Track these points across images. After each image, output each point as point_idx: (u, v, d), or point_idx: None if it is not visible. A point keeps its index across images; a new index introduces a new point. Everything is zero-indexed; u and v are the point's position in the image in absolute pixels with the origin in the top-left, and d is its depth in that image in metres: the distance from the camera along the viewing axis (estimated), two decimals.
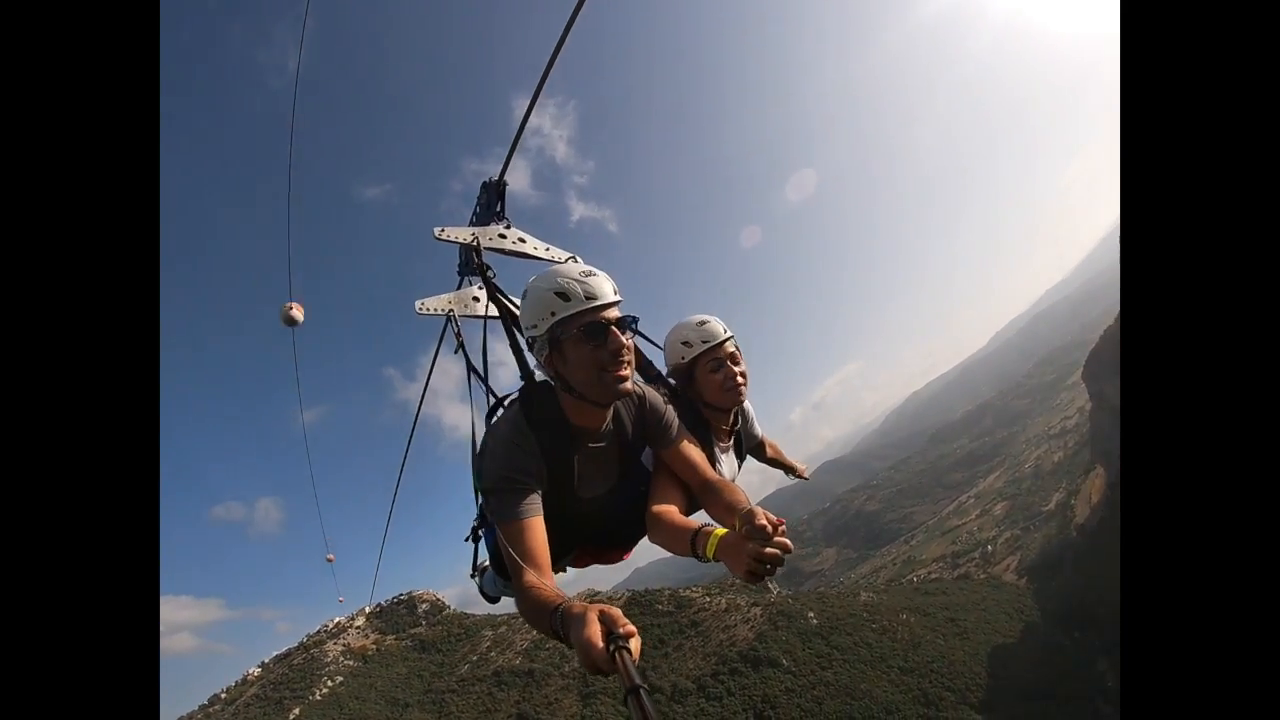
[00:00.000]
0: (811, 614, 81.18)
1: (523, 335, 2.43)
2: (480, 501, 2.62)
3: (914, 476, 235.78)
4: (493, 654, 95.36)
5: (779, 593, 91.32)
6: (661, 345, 3.29)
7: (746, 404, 3.42)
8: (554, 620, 1.73)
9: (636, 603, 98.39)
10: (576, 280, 2.23)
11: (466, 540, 3.02)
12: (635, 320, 2.39)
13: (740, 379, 3.06)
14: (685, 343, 3.08)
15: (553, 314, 2.22)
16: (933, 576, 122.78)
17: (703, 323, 3.09)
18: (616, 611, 1.52)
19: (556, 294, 2.22)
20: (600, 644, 1.45)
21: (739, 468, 3.48)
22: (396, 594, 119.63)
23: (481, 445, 2.49)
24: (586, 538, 2.89)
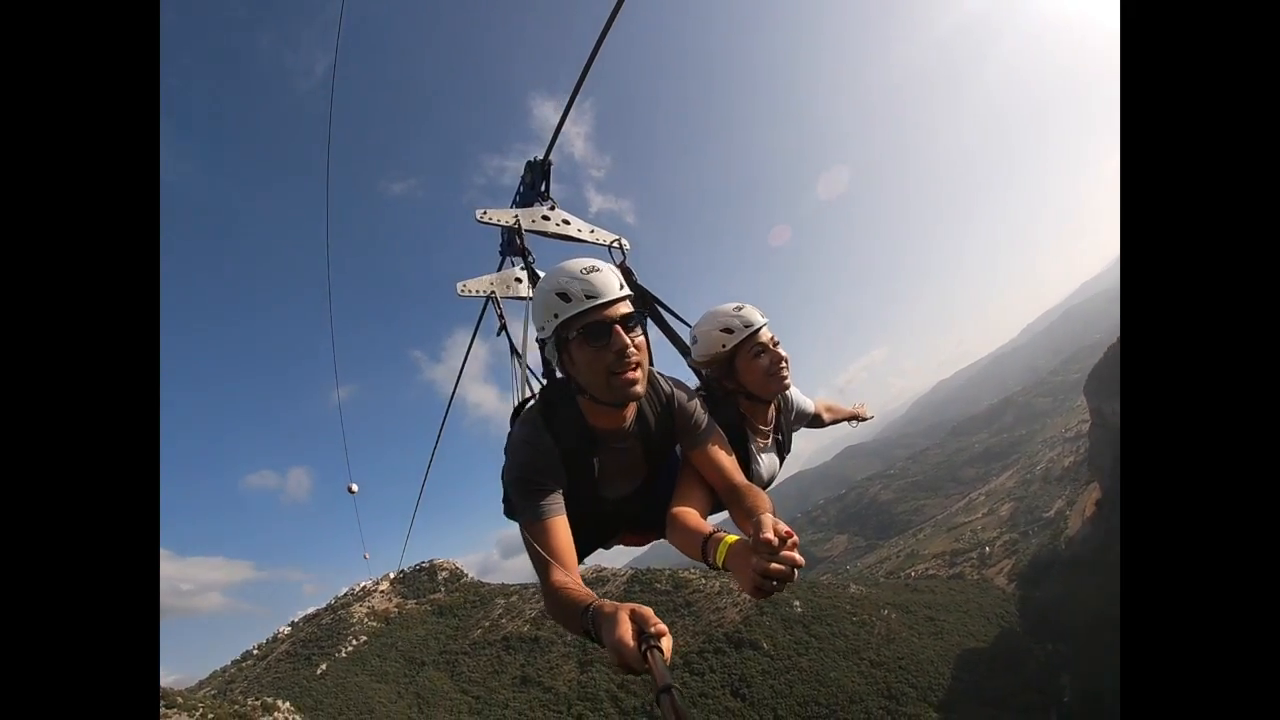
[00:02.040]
0: (797, 602, 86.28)
1: (537, 336, 2.33)
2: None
3: (931, 469, 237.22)
4: (503, 620, 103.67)
5: None
6: (687, 339, 3.17)
7: (791, 390, 3.19)
8: (585, 620, 1.69)
9: (638, 580, 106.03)
10: (576, 279, 2.13)
11: (506, 515, 2.98)
12: (643, 316, 2.34)
13: (784, 364, 2.89)
14: (726, 329, 2.87)
15: (555, 315, 2.15)
16: (930, 573, 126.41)
17: (739, 308, 2.90)
18: (648, 611, 1.50)
19: (557, 294, 2.15)
20: (632, 643, 1.43)
21: (780, 464, 3.25)
22: (418, 562, 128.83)
23: (506, 446, 2.41)
24: (622, 526, 2.84)
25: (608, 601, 1.63)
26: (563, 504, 2.23)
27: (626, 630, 1.47)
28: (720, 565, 1.92)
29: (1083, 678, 69.14)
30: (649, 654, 1.39)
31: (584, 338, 2.13)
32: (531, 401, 2.55)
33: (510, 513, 2.63)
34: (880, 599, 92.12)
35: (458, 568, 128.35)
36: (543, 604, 2.10)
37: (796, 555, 1.67)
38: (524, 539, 2.18)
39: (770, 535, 1.66)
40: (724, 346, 2.88)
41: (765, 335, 2.88)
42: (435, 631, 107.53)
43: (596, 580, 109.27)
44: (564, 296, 2.13)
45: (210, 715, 68.31)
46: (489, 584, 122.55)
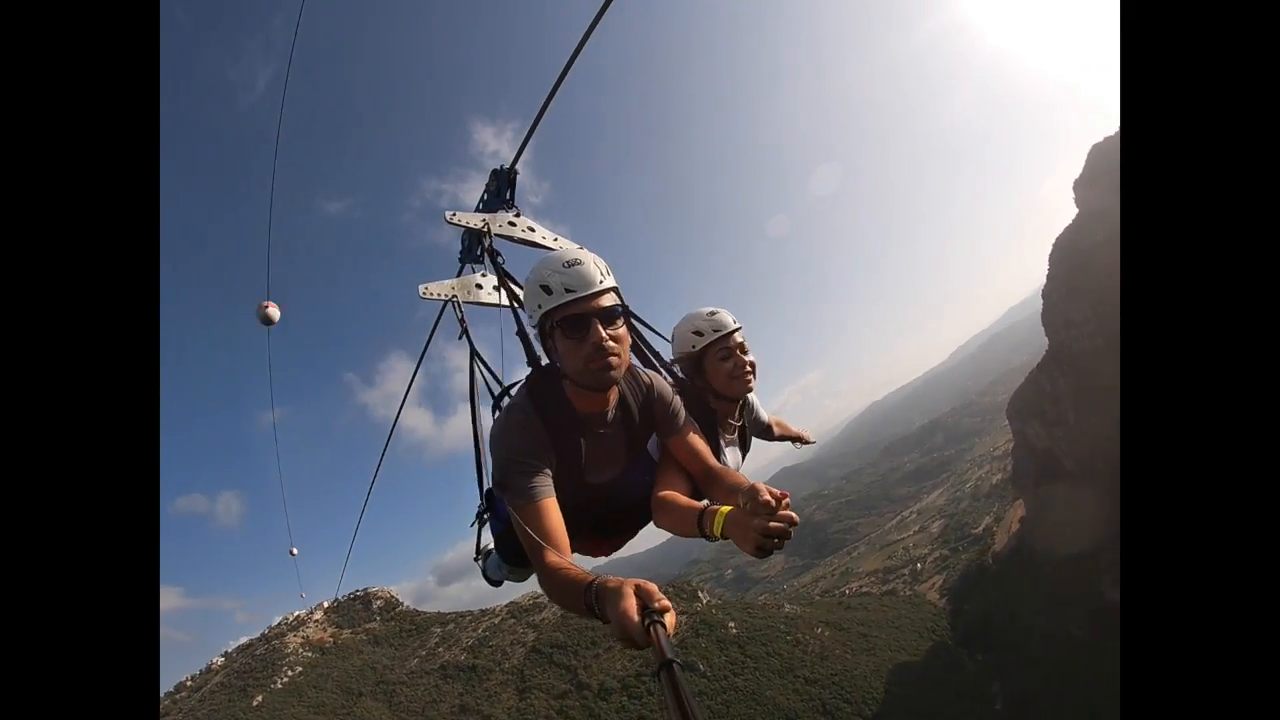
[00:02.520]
0: (732, 624, 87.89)
1: (528, 324, 2.46)
2: (490, 487, 2.79)
3: (864, 488, 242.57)
4: (440, 649, 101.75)
5: (707, 602, 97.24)
6: (663, 334, 3.31)
7: (751, 395, 3.40)
8: (588, 596, 1.69)
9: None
10: (558, 272, 2.21)
11: (472, 525, 3.13)
12: (624, 308, 2.36)
13: (749, 368, 3.07)
14: (696, 332, 3.07)
15: (539, 307, 2.24)
16: (864, 590, 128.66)
17: (713, 313, 3.09)
18: (653, 586, 1.51)
19: (540, 287, 2.23)
20: (636, 617, 1.44)
21: (743, 459, 3.48)
22: (353, 590, 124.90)
23: (492, 431, 2.47)
24: (594, 522, 2.86)
25: (611, 577, 1.65)
26: (551, 487, 2.28)
27: (631, 604, 1.48)
28: (718, 535, 2.05)
29: (1012, 685, 71.22)
30: (652, 629, 1.40)
31: (564, 330, 2.23)
32: (515, 388, 2.67)
33: (484, 511, 2.85)
34: (814, 617, 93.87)
35: (393, 596, 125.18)
36: (539, 586, 2.15)
37: (793, 514, 1.81)
38: (515, 523, 2.20)
39: (767, 497, 1.80)
40: (694, 347, 3.11)
41: (734, 340, 3.10)
42: (371, 661, 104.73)
43: (534, 608, 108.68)
44: (546, 289, 2.23)
45: None
46: (425, 612, 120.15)
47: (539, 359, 2.56)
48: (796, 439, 4.08)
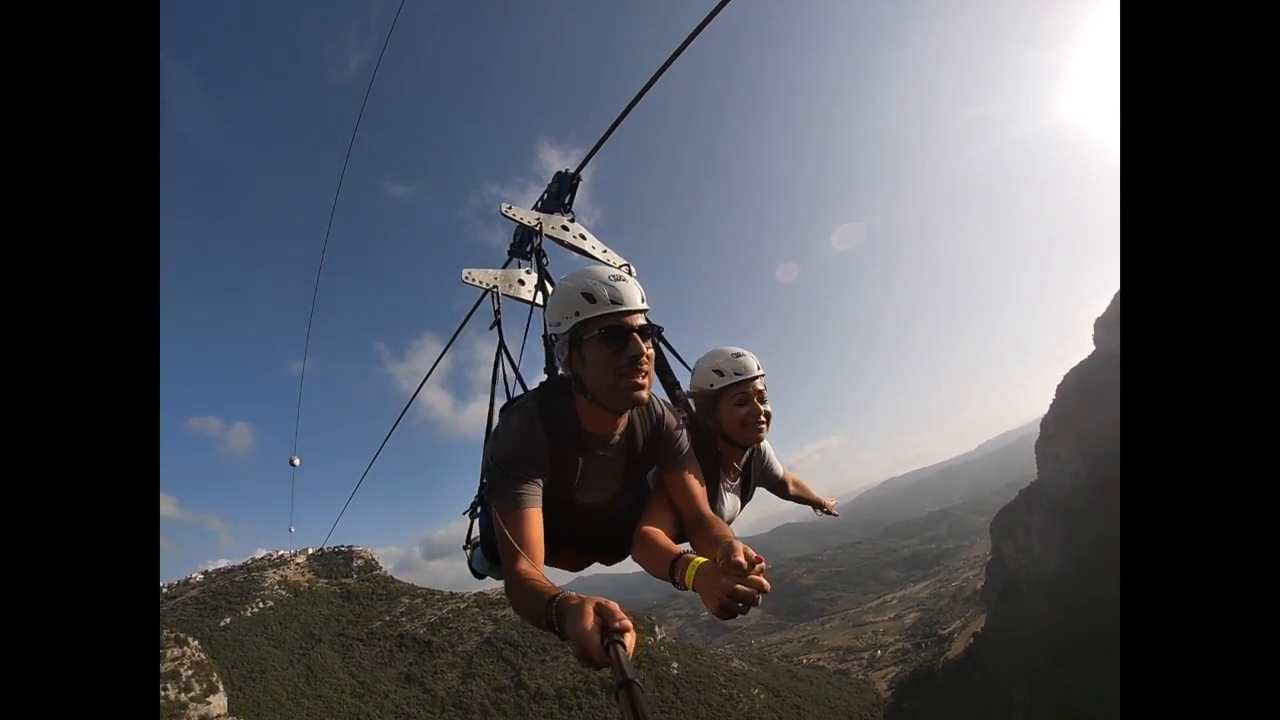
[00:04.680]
0: (676, 665, 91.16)
1: (552, 330, 2.35)
2: (483, 482, 2.65)
3: (857, 563, 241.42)
4: (403, 618, 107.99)
5: (660, 639, 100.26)
6: (687, 364, 3.20)
7: (765, 444, 3.32)
8: (549, 610, 1.65)
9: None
10: (604, 283, 2.18)
11: (464, 514, 3.04)
12: (660, 330, 2.31)
13: (764, 419, 2.94)
14: (718, 370, 2.94)
15: (576, 314, 2.18)
16: (819, 663, 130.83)
17: (738, 355, 2.99)
18: (614, 605, 1.46)
19: (583, 294, 2.17)
20: (596, 636, 1.40)
21: (740, 508, 3.35)
22: (338, 545, 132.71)
23: (494, 430, 2.42)
24: (576, 541, 2.79)
25: (573, 594, 1.60)
26: (540, 497, 2.22)
27: (590, 623, 1.44)
28: (689, 585, 1.93)
29: None
30: (611, 648, 1.36)
31: (602, 339, 2.15)
32: (527, 395, 2.57)
33: (478, 504, 2.85)
34: (757, 678, 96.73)
35: (374, 558, 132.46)
36: (505, 593, 2.07)
37: (764, 580, 1.70)
38: (495, 525, 2.15)
39: (741, 559, 1.68)
40: (712, 385, 2.94)
41: (754, 387, 2.94)
42: (338, 613, 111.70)
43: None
44: (589, 297, 2.16)
45: None
46: (399, 581, 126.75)
47: (557, 369, 2.42)
48: (817, 504, 3.93)
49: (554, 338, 2.31)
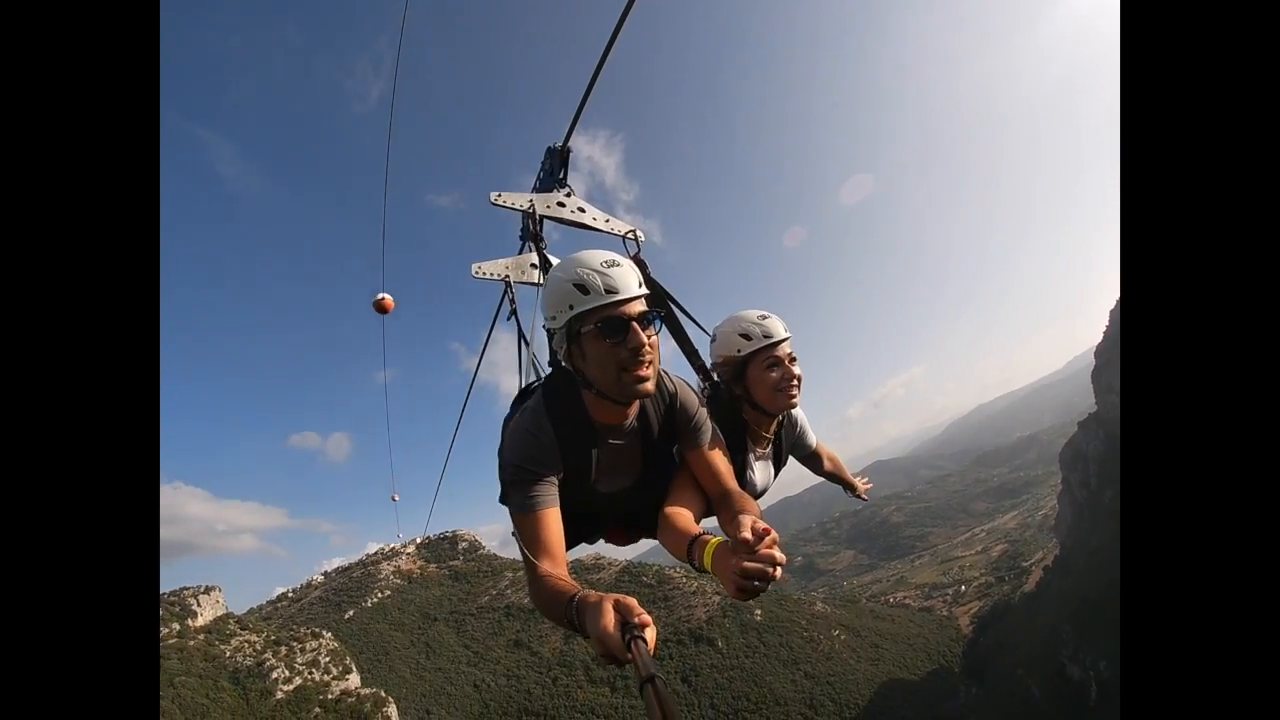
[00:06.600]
0: (758, 611, 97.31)
1: (546, 325, 2.25)
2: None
3: (946, 496, 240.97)
4: (508, 591, 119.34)
5: None
6: (709, 332, 3.04)
7: (797, 411, 3.20)
8: (569, 610, 1.65)
9: (629, 572, 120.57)
10: (597, 271, 2.06)
11: (501, 502, 2.78)
12: (659, 316, 2.20)
13: (796, 382, 2.81)
14: (744, 335, 2.80)
15: (570, 307, 2.06)
16: (905, 601, 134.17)
17: (764, 317, 2.83)
18: (632, 601, 1.46)
19: (575, 285, 2.06)
20: (616, 633, 1.40)
21: (774, 476, 3.20)
22: (443, 531, 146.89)
23: (503, 432, 2.34)
24: (614, 521, 2.78)
25: (592, 592, 1.60)
26: (556, 495, 2.17)
27: (610, 620, 1.44)
28: (707, 568, 1.87)
29: None
30: (633, 644, 1.36)
31: (600, 332, 2.05)
32: (534, 387, 2.50)
33: (505, 498, 2.59)
34: (838, 619, 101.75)
35: (477, 539, 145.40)
36: (528, 593, 2.03)
37: (776, 552, 1.61)
38: (514, 527, 2.13)
39: (748, 534, 1.62)
40: (739, 351, 2.81)
41: (783, 350, 2.82)
42: (449, 594, 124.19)
43: (594, 567, 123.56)
44: (582, 288, 2.06)
45: (272, 636, 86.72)
46: (502, 557, 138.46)
47: (559, 361, 2.30)
48: (850, 487, 3.80)
49: (551, 332, 2.24)
